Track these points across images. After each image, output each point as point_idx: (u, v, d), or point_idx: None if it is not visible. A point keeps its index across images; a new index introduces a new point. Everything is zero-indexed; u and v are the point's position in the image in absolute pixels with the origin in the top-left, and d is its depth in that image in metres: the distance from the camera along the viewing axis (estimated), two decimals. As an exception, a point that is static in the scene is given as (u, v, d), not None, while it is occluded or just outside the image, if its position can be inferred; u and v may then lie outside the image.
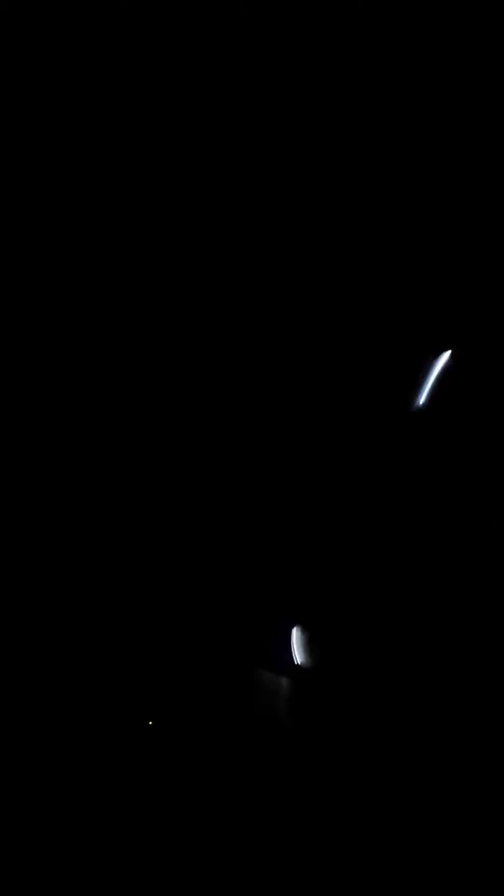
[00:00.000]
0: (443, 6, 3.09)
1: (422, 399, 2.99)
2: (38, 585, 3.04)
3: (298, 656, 2.96)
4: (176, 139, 3.22)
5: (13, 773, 2.84)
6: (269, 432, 3.15)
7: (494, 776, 2.85)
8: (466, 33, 3.10)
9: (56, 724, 2.92)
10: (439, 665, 2.96)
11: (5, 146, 3.18)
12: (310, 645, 2.96)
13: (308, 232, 3.21)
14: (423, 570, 3.01)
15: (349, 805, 2.85)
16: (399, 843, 2.79)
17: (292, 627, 2.99)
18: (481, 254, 3.13)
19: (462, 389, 3.06)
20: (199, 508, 3.13)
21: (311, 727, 2.94)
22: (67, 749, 2.89)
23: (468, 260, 3.13)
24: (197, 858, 2.78)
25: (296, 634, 2.98)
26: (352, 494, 3.08)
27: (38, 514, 3.10)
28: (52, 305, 3.20)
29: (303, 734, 2.94)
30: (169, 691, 2.98)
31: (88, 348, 3.20)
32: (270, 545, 3.09)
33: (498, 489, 3.02)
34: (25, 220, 3.20)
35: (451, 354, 2.93)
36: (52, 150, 3.20)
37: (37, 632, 3.00)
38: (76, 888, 2.73)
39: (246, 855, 2.78)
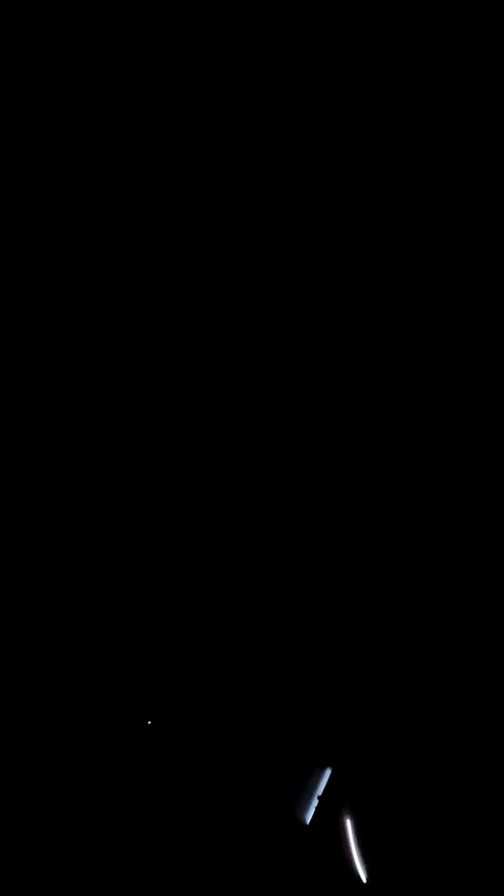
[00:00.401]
0: (443, 6, 3.09)
1: None
2: (38, 585, 3.04)
3: None
4: (176, 139, 3.22)
5: (13, 773, 2.84)
6: (268, 436, 3.16)
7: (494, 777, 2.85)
8: (467, 33, 3.10)
9: (56, 724, 2.92)
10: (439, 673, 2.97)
11: (5, 146, 3.18)
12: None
13: (308, 233, 3.21)
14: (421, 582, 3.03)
15: (350, 805, 2.86)
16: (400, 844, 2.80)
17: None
18: (482, 257, 3.13)
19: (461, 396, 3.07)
20: (198, 510, 3.13)
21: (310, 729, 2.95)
22: (67, 748, 2.89)
23: (468, 264, 3.14)
24: (197, 859, 2.79)
25: None
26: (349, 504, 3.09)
27: (38, 515, 3.10)
28: (52, 305, 3.21)
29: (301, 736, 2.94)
30: (169, 691, 2.98)
31: (88, 348, 3.21)
32: (269, 548, 3.09)
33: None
34: (25, 220, 3.21)
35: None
36: (52, 150, 3.20)
37: (37, 631, 3.00)
38: (76, 888, 2.74)
39: (245, 856, 2.79)
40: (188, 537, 3.10)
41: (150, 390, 3.20)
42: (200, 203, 3.22)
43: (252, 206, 3.21)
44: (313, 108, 3.18)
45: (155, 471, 3.15)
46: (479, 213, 3.14)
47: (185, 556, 3.09)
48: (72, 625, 3.02)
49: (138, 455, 3.16)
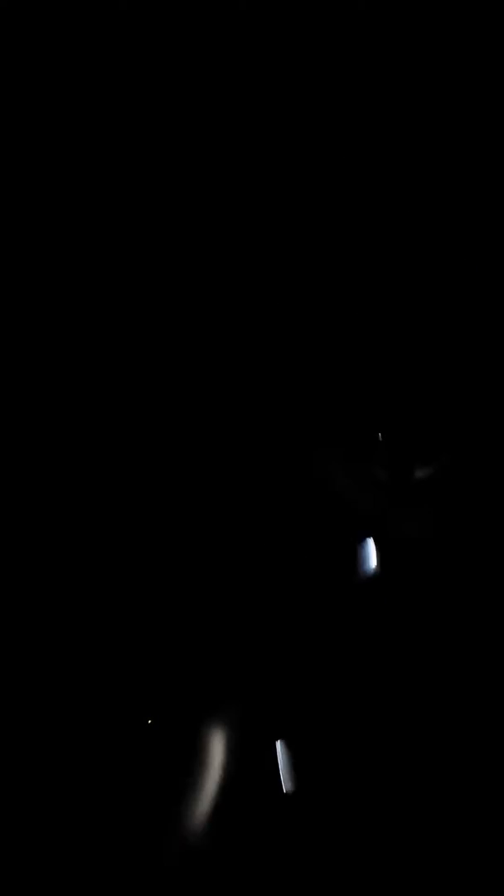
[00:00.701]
0: (443, 6, 3.10)
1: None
2: (39, 586, 3.04)
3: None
4: (176, 139, 3.23)
5: (13, 773, 2.84)
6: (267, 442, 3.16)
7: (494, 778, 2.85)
8: (467, 34, 3.11)
9: (56, 724, 2.92)
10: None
11: (5, 146, 3.19)
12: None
13: (307, 234, 3.22)
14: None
15: (351, 807, 2.86)
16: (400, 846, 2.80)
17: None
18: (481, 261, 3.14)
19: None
20: (196, 513, 3.14)
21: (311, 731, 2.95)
22: (67, 748, 2.89)
23: (467, 267, 3.15)
24: (197, 858, 2.79)
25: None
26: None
27: (39, 516, 3.11)
28: (52, 305, 3.21)
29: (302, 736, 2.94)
30: (168, 691, 2.98)
31: (88, 349, 3.21)
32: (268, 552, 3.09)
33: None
34: (25, 220, 3.21)
35: None
36: (52, 150, 3.21)
37: (37, 632, 3.00)
38: (76, 888, 2.74)
39: (246, 855, 2.79)
40: (188, 538, 3.11)
41: (150, 389, 3.20)
42: (200, 202, 3.23)
43: (252, 206, 3.22)
44: (314, 108, 3.19)
45: (154, 470, 3.16)
46: (479, 213, 3.15)
47: (184, 556, 3.09)
48: (71, 624, 3.03)
49: (138, 455, 3.17)
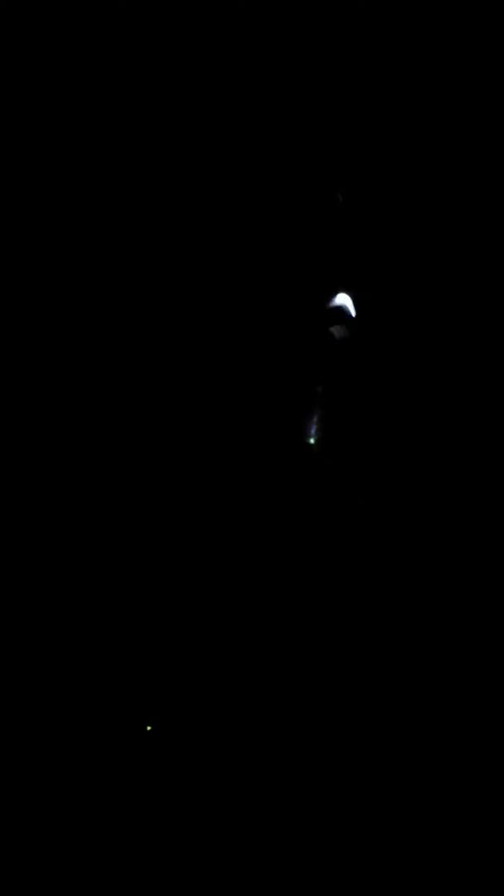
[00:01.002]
0: (443, 6, 3.09)
1: None
2: (39, 587, 3.04)
3: None
4: (176, 139, 3.22)
5: (13, 777, 2.84)
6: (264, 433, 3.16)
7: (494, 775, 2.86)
8: (467, 34, 3.10)
9: (56, 728, 2.92)
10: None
11: (5, 146, 3.18)
12: None
13: (306, 234, 3.21)
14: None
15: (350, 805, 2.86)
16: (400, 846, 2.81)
17: None
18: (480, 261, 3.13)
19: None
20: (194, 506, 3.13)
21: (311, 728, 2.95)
22: (67, 753, 2.89)
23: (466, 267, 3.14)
24: (197, 859, 2.79)
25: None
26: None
27: (39, 515, 3.10)
28: (52, 305, 3.21)
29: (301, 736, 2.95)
30: (168, 694, 2.98)
31: (88, 348, 3.21)
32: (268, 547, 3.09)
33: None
34: (25, 220, 3.20)
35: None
36: (52, 150, 3.20)
37: (37, 634, 3.00)
38: (76, 889, 2.74)
39: (246, 855, 2.79)
40: (187, 541, 3.11)
41: (150, 388, 3.20)
42: (200, 203, 3.22)
43: (251, 206, 3.21)
44: (314, 108, 3.18)
45: (154, 470, 3.16)
46: (479, 214, 3.15)
47: (184, 560, 3.09)
48: (71, 629, 3.02)
49: (138, 455, 3.17)
